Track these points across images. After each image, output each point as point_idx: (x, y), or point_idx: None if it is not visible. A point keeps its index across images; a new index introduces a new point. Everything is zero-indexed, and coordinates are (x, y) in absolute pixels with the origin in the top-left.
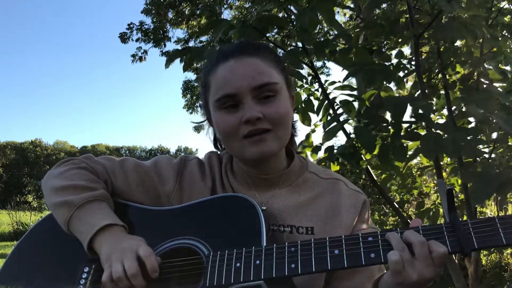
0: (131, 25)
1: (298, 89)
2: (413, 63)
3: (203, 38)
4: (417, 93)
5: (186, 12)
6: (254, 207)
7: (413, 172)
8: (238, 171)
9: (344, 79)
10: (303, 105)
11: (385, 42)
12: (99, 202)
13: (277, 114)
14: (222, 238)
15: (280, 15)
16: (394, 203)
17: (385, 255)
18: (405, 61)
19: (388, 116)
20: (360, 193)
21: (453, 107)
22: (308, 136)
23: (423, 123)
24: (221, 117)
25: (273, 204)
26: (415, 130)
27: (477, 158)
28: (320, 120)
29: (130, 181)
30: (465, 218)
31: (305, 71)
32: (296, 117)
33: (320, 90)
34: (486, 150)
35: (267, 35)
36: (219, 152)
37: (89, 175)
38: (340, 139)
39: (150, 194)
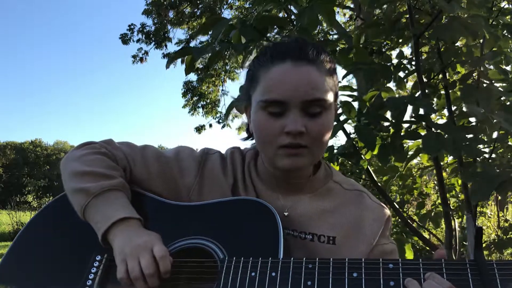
0: (132, 26)
1: None
2: (413, 63)
3: (203, 38)
4: (418, 93)
5: (187, 12)
6: (274, 215)
7: (413, 173)
8: (262, 170)
9: (343, 77)
10: None
11: (385, 43)
12: (117, 192)
13: (319, 132)
14: (238, 243)
15: (280, 15)
16: (395, 203)
17: (405, 285)
18: (405, 61)
19: (388, 115)
20: (384, 207)
21: (454, 107)
22: None
23: (423, 123)
24: (263, 120)
25: (296, 209)
26: (416, 130)
27: (477, 158)
28: None
29: (150, 170)
30: (465, 218)
31: None
32: None
33: None
34: (487, 150)
35: (268, 35)
36: (241, 148)
37: (108, 161)
38: (340, 139)
39: (170, 185)
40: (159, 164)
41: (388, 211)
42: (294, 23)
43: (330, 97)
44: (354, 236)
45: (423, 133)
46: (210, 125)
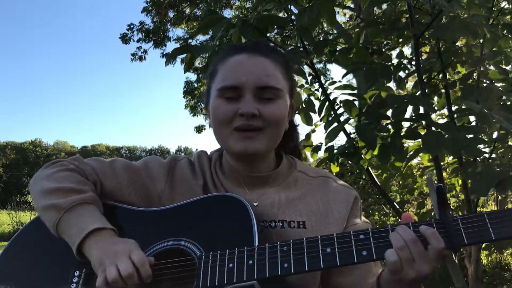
0: (131, 26)
1: (298, 89)
2: (413, 63)
3: (203, 38)
4: (418, 93)
5: (187, 12)
6: (245, 206)
7: (414, 172)
8: (227, 168)
9: (343, 76)
10: (304, 105)
11: (385, 42)
12: (88, 205)
13: (272, 115)
14: (213, 238)
15: (281, 15)
16: (395, 203)
17: (377, 252)
18: (405, 61)
19: (389, 114)
20: (351, 188)
21: (454, 107)
22: (308, 136)
23: (424, 123)
24: (219, 104)
25: (264, 201)
26: (416, 130)
27: (477, 158)
28: (321, 120)
29: (120, 181)
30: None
31: (305, 71)
32: (297, 117)
33: (320, 90)
34: (487, 150)
35: (268, 35)
36: (208, 152)
37: (78, 177)
38: (340, 139)
39: (141, 194)
40: (129, 174)
41: (354, 192)
42: (294, 22)
43: (283, 87)
44: (324, 219)
45: (423, 132)
46: (210, 125)
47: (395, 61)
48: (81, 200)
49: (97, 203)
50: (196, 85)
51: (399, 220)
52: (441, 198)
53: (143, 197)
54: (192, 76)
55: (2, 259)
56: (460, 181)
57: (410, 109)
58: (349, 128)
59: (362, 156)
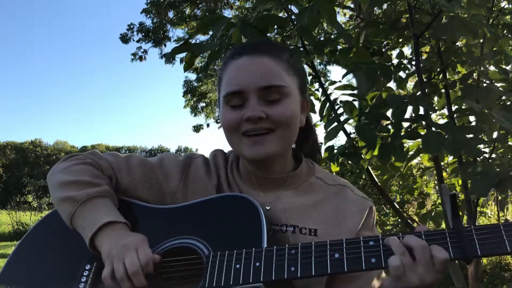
0: (131, 26)
1: None
2: (413, 63)
3: (203, 38)
4: (418, 93)
5: (187, 12)
6: (256, 207)
7: (414, 173)
8: (243, 170)
9: (343, 76)
10: None
11: (385, 42)
12: (103, 198)
13: (281, 116)
14: (222, 238)
15: (281, 15)
16: (395, 203)
17: (386, 260)
18: (405, 61)
19: (389, 115)
20: (367, 199)
21: (455, 107)
22: None
23: (423, 123)
24: (226, 113)
25: (277, 204)
26: (416, 130)
27: (477, 158)
28: (321, 120)
29: (135, 177)
30: (465, 218)
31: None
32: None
33: (320, 90)
34: (487, 150)
35: (268, 35)
36: (224, 151)
37: (94, 170)
38: (340, 139)
39: (155, 190)
40: (144, 170)
41: (370, 203)
42: (295, 22)
43: (289, 84)
44: (337, 229)
45: (423, 133)
46: (208, 125)
47: (395, 61)
48: (96, 193)
49: (112, 196)
50: (195, 84)
51: (399, 220)
52: (454, 206)
53: (156, 194)
54: (192, 76)
55: (15, 256)
56: (460, 181)
57: (410, 109)
58: (349, 128)
59: (362, 156)
